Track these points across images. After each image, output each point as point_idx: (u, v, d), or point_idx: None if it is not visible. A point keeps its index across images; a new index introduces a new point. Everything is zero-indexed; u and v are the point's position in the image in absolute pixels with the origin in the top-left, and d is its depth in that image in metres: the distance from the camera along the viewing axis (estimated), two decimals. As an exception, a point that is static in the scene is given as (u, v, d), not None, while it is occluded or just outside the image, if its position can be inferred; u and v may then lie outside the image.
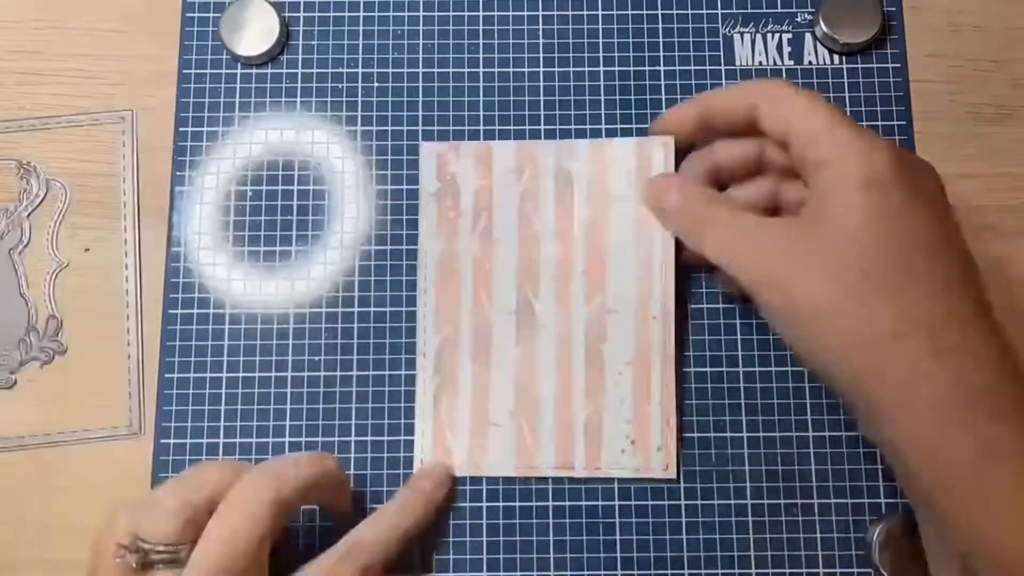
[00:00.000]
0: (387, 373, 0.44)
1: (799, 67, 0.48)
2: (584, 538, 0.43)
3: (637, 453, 0.43)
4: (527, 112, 0.47)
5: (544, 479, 0.43)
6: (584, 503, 0.43)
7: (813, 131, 0.36)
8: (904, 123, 0.47)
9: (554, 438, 0.43)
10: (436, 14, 0.49)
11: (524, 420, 0.43)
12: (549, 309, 0.44)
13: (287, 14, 0.48)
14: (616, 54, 0.48)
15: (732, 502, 0.43)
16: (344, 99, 0.48)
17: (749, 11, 0.48)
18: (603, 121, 0.47)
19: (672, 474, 0.43)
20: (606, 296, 0.44)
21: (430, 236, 0.45)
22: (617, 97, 0.47)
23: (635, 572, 0.42)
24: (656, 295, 0.43)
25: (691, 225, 0.40)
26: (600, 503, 0.43)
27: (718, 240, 0.38)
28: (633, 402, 0.43)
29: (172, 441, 0.44)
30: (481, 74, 0.48)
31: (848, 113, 0.46)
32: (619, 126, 0.47)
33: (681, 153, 0.44)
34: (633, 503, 0.43)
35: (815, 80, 0.47)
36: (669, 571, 0.42)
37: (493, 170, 0.45)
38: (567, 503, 0.43)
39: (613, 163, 0.44)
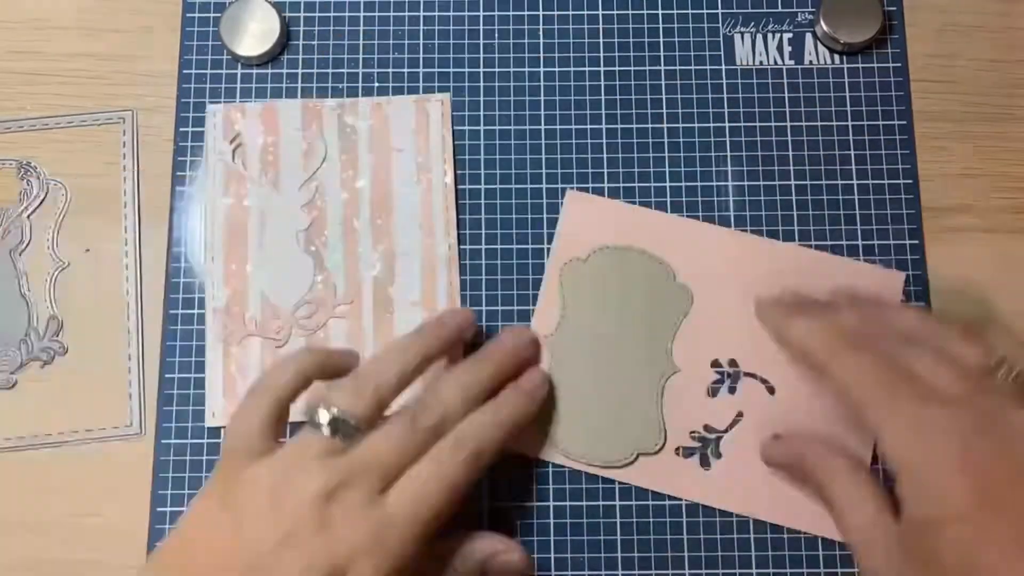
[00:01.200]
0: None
1: (799, 67, 0.48)
2: (585, 538, 0.43)
3: None
4: (527, 112, 0.47)
5: None
6: (577, 492, 0.43)
7: None
8: (904, 123, 0.47)
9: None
10: (437, 14, 0.49)
11: None
12: (337, 256, 0.45)
13: (287, 14, 0.48)
14: (616, 54, 0.48)
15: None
16: (345, 99, 0.48)
17: (749, 11, 0.48)
18: (603, 121, 0.47)
19: None
20: (393, 241, 0.45)
21: (217, 195, 0.46)
22: (618, 97, 0.47)
23: (635, 572, 0.42)
24: (440, 238, 0.45)
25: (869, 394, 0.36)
26: (601, 502, 0.43)
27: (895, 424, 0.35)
28: None
29: (173, 441, 0.44)
30: (481, 74, 0.48)
31: (849, 113, 0.47)
32: (619, 126, 0.47)
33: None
34: (633, 503, 0.43)
35: (815, 80, 0.47)
36: (670, 571, 0.42)
37: (279, 128, 0.47)
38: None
39: (394, 119, 0.47)
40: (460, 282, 0.45)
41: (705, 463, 0.43)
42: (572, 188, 0.46)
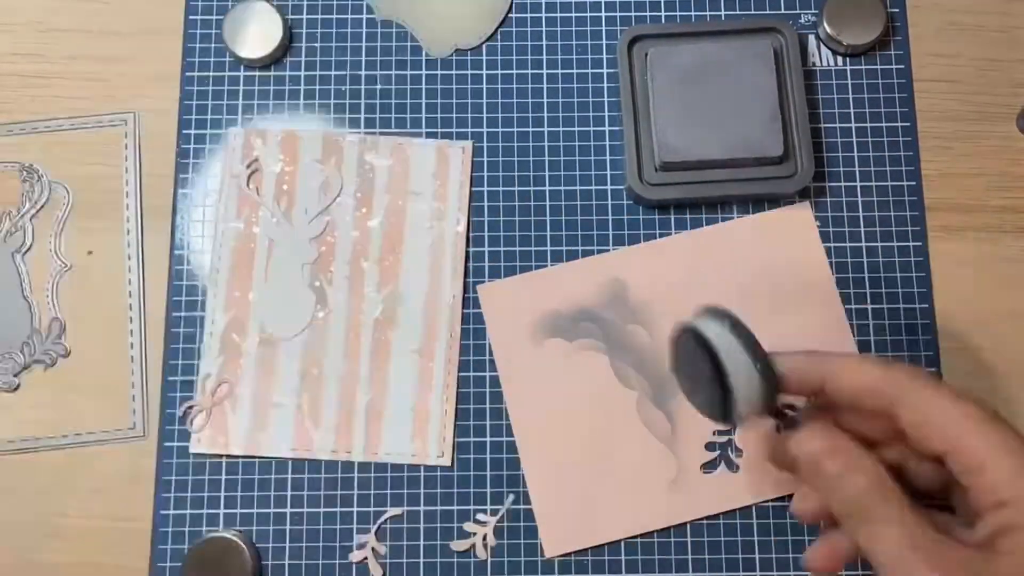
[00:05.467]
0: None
1: (803, 69, 0.47)
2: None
3: (413, 440, 0.43)
4: (531, 114, 0.47)
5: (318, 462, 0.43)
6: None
7: (984, 465, 0.32)
8: (908, 124, 0.47)
9: (335, 422, 0.44)
10: (439, 16, 0.49)
11: (306, 402, 0.44)
12: (341, 294, 0.45)
13: (290, 17, 0.48)
14: (616, 55, 0.48)
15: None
16: (347, 101, 0.48)
17: (753, 13, 0.48)
18: (606, 124, 0.47)
19: (447, 461, 0.43)
20: (399, 285, 0.45)
21: (229, 218, 0.46)
22: (620, 99, 0.47)
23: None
24: (446, 287, 0.45)
25: (851, 508, 0.34)
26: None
27: (884, 541, 0.33)
28: (417, 389, 0.44)
29: (176, 444, 0.44)
30: (484, 76, 0.48)
31: (852, 115, 0.47)
32: (621, 128, 0.47)
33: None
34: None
35: (819, 82, 0.47)
36: (674, 573, 0.42)
37: (298, 157, 0.46)
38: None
39: (414, 161, 0.46)
40: (461, 331, 0.45)
41: (731, 467, 0.43)
42: (483, 283, 0.45)
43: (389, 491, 0.43)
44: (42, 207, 0.47)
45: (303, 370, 0.44)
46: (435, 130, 0.47)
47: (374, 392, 0.44)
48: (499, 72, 0.48)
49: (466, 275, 0.45)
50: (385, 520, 0.43)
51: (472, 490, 0.43)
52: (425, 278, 0.45)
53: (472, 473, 0.43)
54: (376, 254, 0.45)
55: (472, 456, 0.44)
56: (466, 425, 0.44)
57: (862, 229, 0.46)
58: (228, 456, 0.44)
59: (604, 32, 0.48)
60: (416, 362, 0.44)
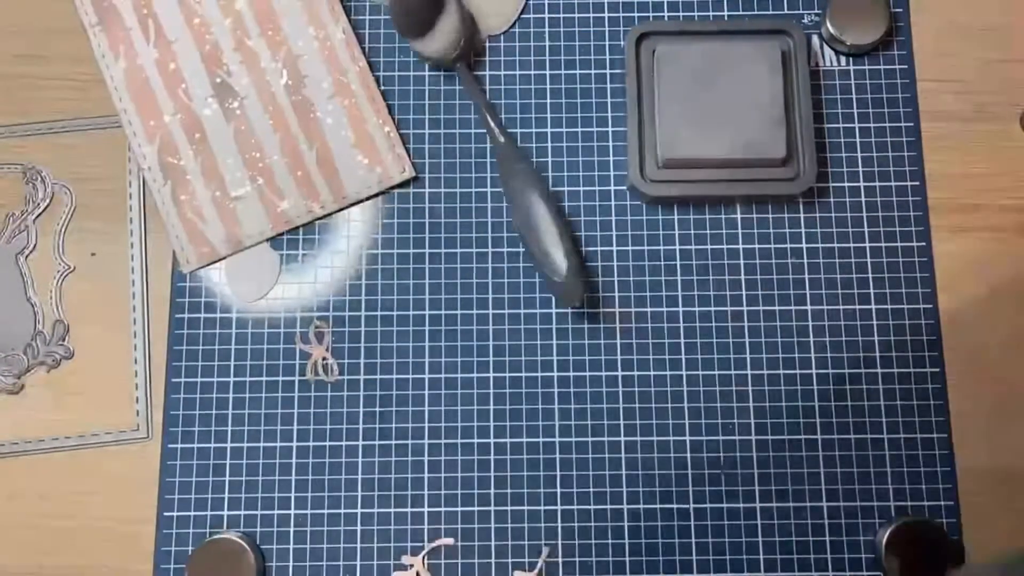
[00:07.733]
0: (395, 377, 0.45)
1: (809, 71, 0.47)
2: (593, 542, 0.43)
3: (373, 168, 0.46)
4: (534, 115, 0.47)
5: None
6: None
7: None
8: (911, 124, 0.47)
9: (296, 187, 0.46)
10: (442, 17, 0.49)
11: (262, 182, 0.46)
12: (243, 78, 0.46)
13: (292, 17, 0.49)
14: (623, 57, 0.48)
15: (741, 506, 0.43)
16: (350, 102, 0.48)
17: (756, 13, 0.48)
18: (609, 125, 0.47)
19: (411, 173, 0.46)
20: (288, 45, 0.47)
21: (110, 63, 0.47)
22: (622, 100, 0.47)
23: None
24: (331, 26, 0.47)
25: None
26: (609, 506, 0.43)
27: None
28: (351, 126, 0.46)
29: (179, 445, 0.44)
30: (488, 77, 0.48)
31: (855, 115, 0.47)
32: (624, 128, 0.47)
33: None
34: (641, 506, 0.43)
35: (823, 82, 0.47)
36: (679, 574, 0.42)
37: None
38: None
39: None
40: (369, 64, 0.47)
41: None
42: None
43: (394, 492, 0.43)
44: (45, 209, 0.47)
45: (246, 159, 0.46)
46: (438, 131, 0.47)
47: (316, 146, 0.46)
48: (502, 73, 0.48)
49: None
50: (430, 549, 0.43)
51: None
52: (310, 28, 0.47)
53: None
54: (256, 29, 0.47)
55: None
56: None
57: (866, 229, 0.46)
58: (230, 449, 0.44)
59: (608, 33, 0.48)
60: (339, 104, 0.46)
